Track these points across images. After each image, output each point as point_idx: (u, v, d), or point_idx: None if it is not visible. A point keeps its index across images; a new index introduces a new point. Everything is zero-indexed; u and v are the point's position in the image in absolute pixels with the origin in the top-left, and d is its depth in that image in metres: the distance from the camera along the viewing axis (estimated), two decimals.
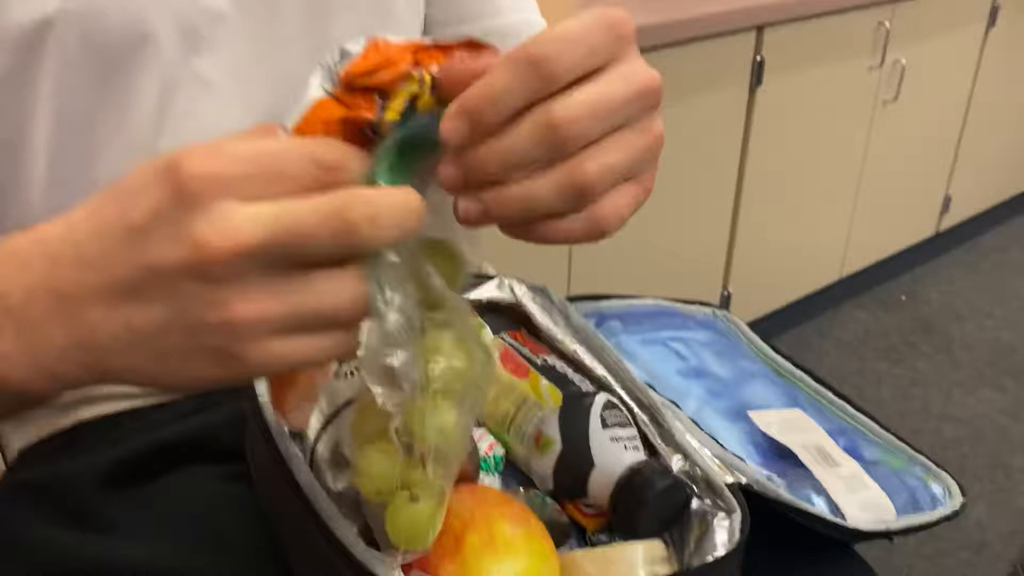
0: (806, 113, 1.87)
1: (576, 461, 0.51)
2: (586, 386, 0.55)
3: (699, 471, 0.51)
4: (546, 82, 0.33)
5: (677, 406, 0.57)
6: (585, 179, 0.34)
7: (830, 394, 0.67)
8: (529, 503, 0.54)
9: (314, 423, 0.49)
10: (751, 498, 0.49)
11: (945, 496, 0.61)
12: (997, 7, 2.20)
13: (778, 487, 0.52)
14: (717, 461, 0.52)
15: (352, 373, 0.50)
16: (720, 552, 0.46)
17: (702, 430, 0.55)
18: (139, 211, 0.30)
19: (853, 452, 0.60)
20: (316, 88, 0.34)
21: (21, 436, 0.63)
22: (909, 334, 2.25)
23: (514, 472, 0.56)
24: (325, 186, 0.31)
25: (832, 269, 2.20)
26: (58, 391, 0.35)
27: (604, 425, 0.52)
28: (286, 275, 0.31)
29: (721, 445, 0.54)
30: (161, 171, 0.30)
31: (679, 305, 0.74)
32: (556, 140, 0.33)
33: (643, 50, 1.40)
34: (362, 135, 0.34)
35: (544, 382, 0.54)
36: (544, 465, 0.52)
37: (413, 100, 0.33)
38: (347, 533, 0.40)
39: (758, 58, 1.69)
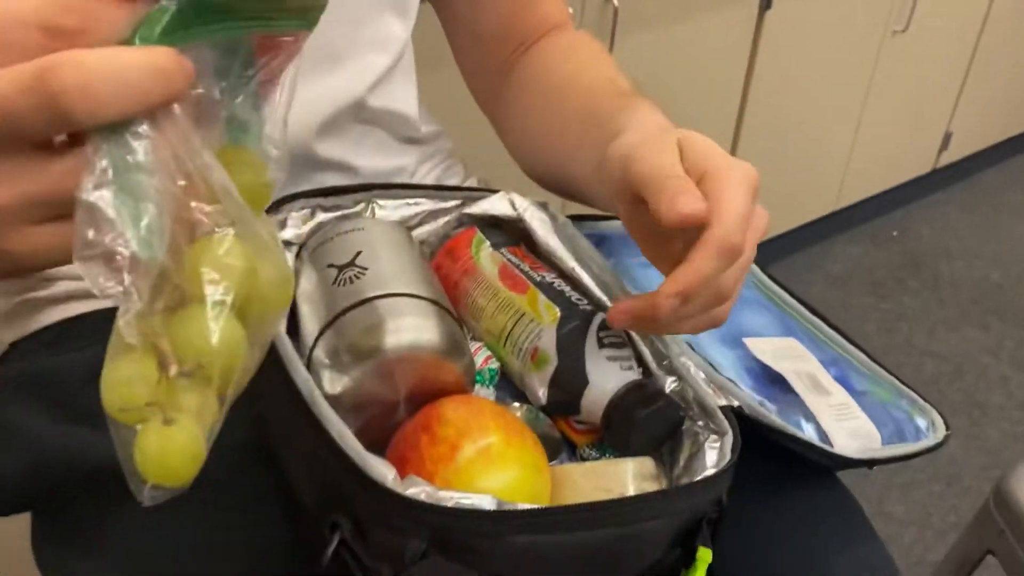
0: (814, 40, 1.84)
1: (571, 378, 0.51)
2: (584, 304, 0.55)
3: (692, 393, 0.51)
4: (734, 260, 0.45)
5: None
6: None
7: (824, 325, 0.68)
8: (522, 417, 0.54)
9: (311, 328, 0.49)
10: (742, 421, 0.50)
11: (929, 429, 0.62)
12: None
13: (769, 412, 0.52)
14: (711, 384, 0.52)
15: (351, 280, 0.49)
16: (709, 472, 0.47)
17: (697, 353, 0.56)
18: None
19: (844, 382, 0.60)
20: None
21: (11, 330, 0.63)
22: (897, 269, 2.26)
23: (508, 386, 0.57)
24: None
25: (828, 201, 2.20)
26: None
27: (600, 344, 0.52)
28: (16, 157, 0.28)
29: (715, 369, 0.55)
30: None
31: None
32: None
33: None
34: None
35: (542, 298, 0.54)
36: (539, 381, 0.53)
37: None
38: (344, 433, 0.41)
39: None
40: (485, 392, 0.55)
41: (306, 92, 0.60)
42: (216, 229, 0.30)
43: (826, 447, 0.52)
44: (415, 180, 0.72)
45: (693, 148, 0.48)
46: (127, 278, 0.28)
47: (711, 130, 1.90)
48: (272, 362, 0.44)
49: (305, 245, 0.54)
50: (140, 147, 0.28)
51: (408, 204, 0.59)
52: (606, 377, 0.51)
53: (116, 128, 0.28)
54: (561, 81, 0.66)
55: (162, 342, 0.29)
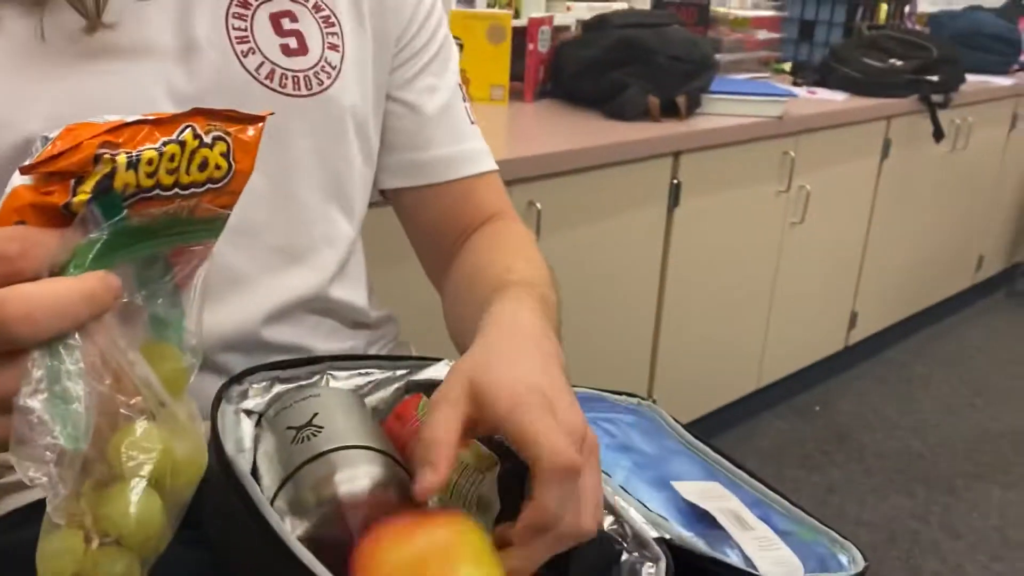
0: (720, 233, 2.01)
1: (513, 519, 0.56)
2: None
3: (628, 528, 0.56)
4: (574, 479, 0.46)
5: (607, 475, 0.63)
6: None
7: (744, 474, 0.74)
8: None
9: (270, 483, 0.53)
10: (674, 552, 0.55)
11: (850, 564, 0.68)
12: (889, 140, 2.41)
13: (698, 542, 0.57)
14: (643, 520, 0.57)
15: (308, 438, 0.54)
16: None
17: (630, 495, 0.61)
18: None
19: (767, 521, 0.66)
20: (17, 176, 0.34)
21: None
22: (824, 443, 2.35)
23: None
24: (5, 276, 0.33)
25: (750, 380, 2.31)
26: None
27: None
28: None
29: (647, 507, 0.60)
30: None
31: (607, 394, 0.81)
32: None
33: (572, 172, 1.53)
34: (60, 218, 0.34)
35: (482, 449, 0.59)
36: (485, 526, 0.57)
37: (109, 178, 0.34)
38: (316, 564, 0.45)
39: (675, 181, 1.82)
40: None
41: (263, 287, 0.67)
42: (137, 417, 0.36)
43: (751, 571, 0.57)
44: None
45: (485, 391, 0.49)
46: (54, 471, 0.34)
47: (633, 320, 2.02)
48: (241, 506, 0.48)
49: (265, 414, 0.59)
50: (70, 357, 0.34)
51: (360, 374, 0.65)
52: None
53: (51, 342, 0.34)
54: (473, 272, 0.73)
55: (86, 520, 0.35)
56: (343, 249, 0.74)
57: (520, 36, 1.96)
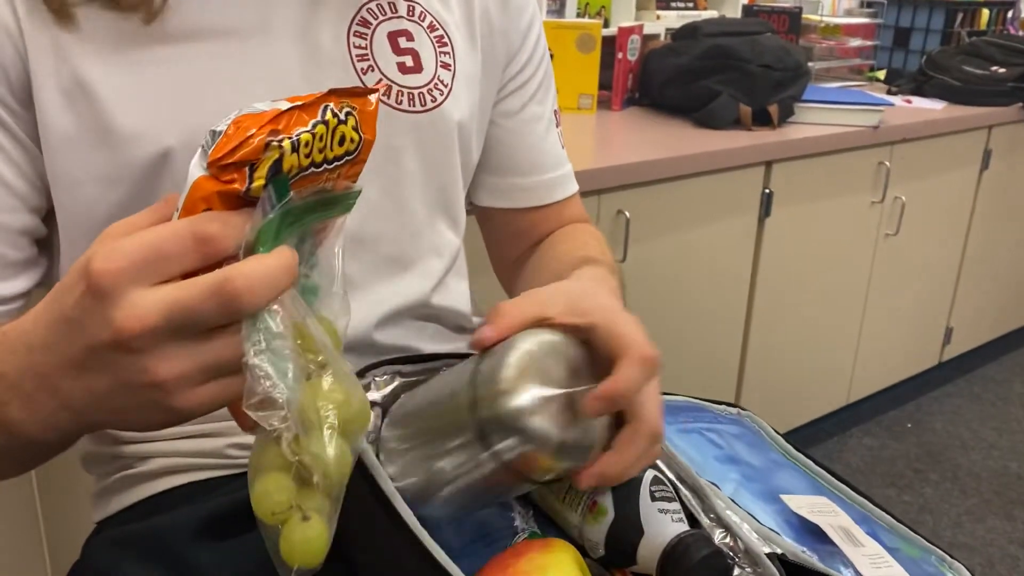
0: (812, 243, 1.97)
1: (627, 529, 0.56)
2: None
3: (740, 543, 0.56)
4: (653, 372, 0.52)
5: (717, 487, 0.63)
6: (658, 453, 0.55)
7: (849, 490, 0.72)
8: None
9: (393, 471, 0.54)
10: (787, 567, 0.54)
11: None
12: (990, 150, 2.33)
13: (811, 558, 0.57)
14: (755, 535, 0.57)
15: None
16: None
17: (741, 508, 0.60)
18: (70, 305, 0.39)
19: (875, 537, 0.64)
20: (196, 168, 0.39)
21: (106, 506, 0.68)
22: (915, 461, 2.28)
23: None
24: (207, 256, 0.38)
25: (839, 395, 2.26)
26: (71, 439, 0.46)
27: (652, 498, 0.57)
28: (191, 339, 0.38)
29: (758, 521, 0.59)
30: (80, 270, 0.39)
31: (707, 403, 0.80)
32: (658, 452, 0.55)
33: (665, 181, 1.53)
34: (240, 202, 0.39)
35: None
36: (597, 532, 0.57)
37: (278, 163, 0.38)
38: (432, 544, 0.46)
39: (767, 191, 1.80)
40: None
41: (375, 294, 0.69)
42: (322, 372, 0.41)
43: None
44: None
45: (578, 298, 0.55)
46: (289, 415, 0.38)
47: (722, 331, 2.00)
48: (360, 476, 0.49)
49: (390, 407, 0.60)
50: (274, 321, 0.39)
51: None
52: (660, 528, 0.56)
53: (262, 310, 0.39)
54: (546, 258, 0.79)
55: (305, 459, 0.40)
56: (448, 258, 0.76)
57: (609, 45, 1.96)
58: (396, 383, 0.61)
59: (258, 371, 0.38)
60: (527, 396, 0.49)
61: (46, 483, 1.19)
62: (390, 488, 0.50)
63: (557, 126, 0.84)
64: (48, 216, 0.62)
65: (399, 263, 0.71)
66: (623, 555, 0.57)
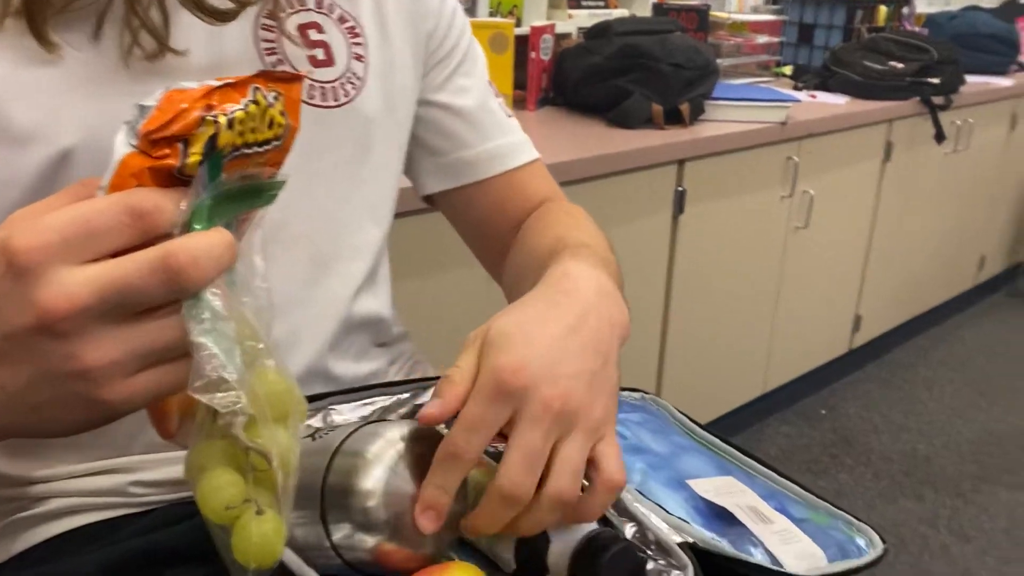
0: (725, 239, 2.02)
1: (534, 540, 0.55)
2: None
3: (650, 535, 0.56)
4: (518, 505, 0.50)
5: None
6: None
7: (756, 464, 0.74)
8: None
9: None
10: (698, 555, 0.55)
11: (868, 546, 0.67)
12: (891, 143, 2.42)
13: (721, 543, 0.58)
14: (665, 525, 0.58)
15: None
16: None
17: (648, 499, 0.61)
18: None
19: (783, 511, 0.66)
20: (122, 145, 0.36)
21: None
22: (831, 447, 2.35)
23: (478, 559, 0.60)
24: (144, 232, 0.35)
25: (756, 385, 2.31)
26: None
27: None
28: (124, 322, 0.35)
29: (666, 511, 0.60)
30: None
31: None
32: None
33: (579, 182, 1.54)
34: (173, 179, 0.37)
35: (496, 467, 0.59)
36: (506, 548, 0.56)
37: (214, 140, 0.36)
38: None
39: (680, 188, 1.83)
40: None
41: (292, 296, 0.67)
42: (262, 359, 0.39)
43: (777, 568, 0.57)
44: (387, 380, 0.75)
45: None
46: (236, 397, 0.36)
47: (640, 326, 2.03)
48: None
49: None
50: (216, 301, 0.37)
51: (364, 404, 0.64)
52: (567, 532, 0.55)
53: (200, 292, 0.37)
54: (528, 253, 0.73)
55: (260, 445, 0.38)
56: (370, 259, 0.73)
57: (522, 44, 1.96)
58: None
59: (205, 350, 0.36)
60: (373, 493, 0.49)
61: None
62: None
63: (497, 96, 0.80)
64: None
65: (321, 265, 0.68)
66: (534, 566, 0.56)
